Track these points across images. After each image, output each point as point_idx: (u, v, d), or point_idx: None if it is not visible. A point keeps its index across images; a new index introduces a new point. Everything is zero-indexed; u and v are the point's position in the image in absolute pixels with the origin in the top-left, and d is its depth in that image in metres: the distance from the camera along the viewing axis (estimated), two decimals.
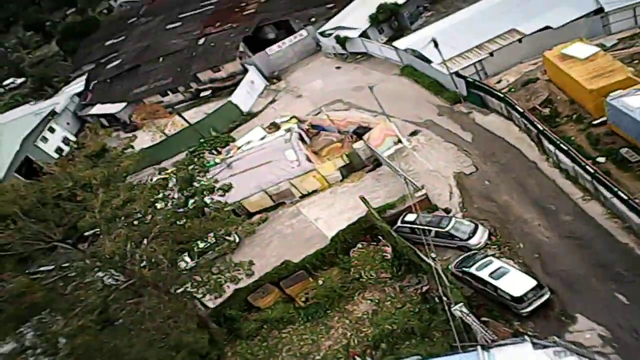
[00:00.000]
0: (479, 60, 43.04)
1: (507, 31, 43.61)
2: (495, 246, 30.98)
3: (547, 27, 42.22)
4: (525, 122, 35.91)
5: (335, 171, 42.55)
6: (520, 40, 42.74)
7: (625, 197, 27.26)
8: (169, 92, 64.49)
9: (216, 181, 34.48)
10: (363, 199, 34.33)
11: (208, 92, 63.83)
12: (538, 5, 45.11)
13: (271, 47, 62.98)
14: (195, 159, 45.43)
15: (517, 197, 32.97)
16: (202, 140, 53.37)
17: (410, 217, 33.23)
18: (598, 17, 43.03)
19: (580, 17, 42.97)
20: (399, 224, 33.55)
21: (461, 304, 26.14)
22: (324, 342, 31.06)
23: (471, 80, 41.09)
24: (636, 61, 39.30)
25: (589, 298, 26.47)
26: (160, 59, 69.72)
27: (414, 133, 42.16)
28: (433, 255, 30.79)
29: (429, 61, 44.31)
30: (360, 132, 44.45)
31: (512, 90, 40.79)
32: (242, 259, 31.06)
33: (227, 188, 32.89)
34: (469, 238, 31.12)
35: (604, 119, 33.74)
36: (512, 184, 34.03)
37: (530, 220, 31.29)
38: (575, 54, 37.26)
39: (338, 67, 58.12)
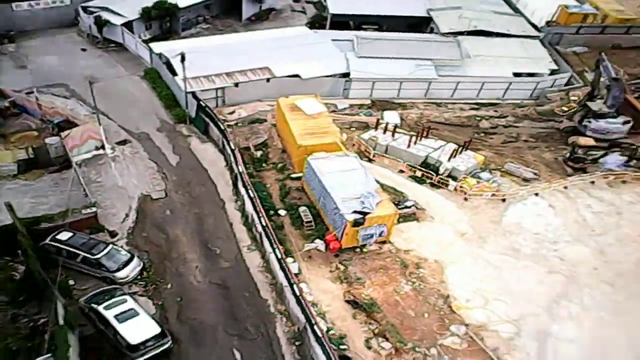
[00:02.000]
0: (223, 88, 46.61)
1: (261, 67, 48.45)
2: (143, 283, 31.52)
3: (296, 75, 47.94)
4: (232, 159, 38.85)
5: (11, 163, 39.71)
6: (268, 80, 47.72)
7: (279, 256, 31.00)
8: None
9: None
10: (9, 206, 31.92)
11: None
12: (298, 53, 51.40)
13: (21, 2, 57.91)
14: None
15: (190, 234, 34.71)
16: None
17: (64, 235, 32.33)
18: (343, 80, 50.53)
19: (329, 76, 49.92)
20: (47, 240, 32.07)
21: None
22: None
23: (203, 104, 43.73)
24: (353, 129, 46.56)
25: (208, 352, 28.18)
26: None
27: (122, 142, 42.33)
28: (71, 282, 30.12)
29: (174, 73, 46.10)
30: (64, 126, 42.53)
31: (239, 125, 44.88)
32: None
33: None
34: (118, 270, 31.10)
35: (301, 174, 38.40)
36: (191, 219, 35.89)
37: (190, 261, 32.97)
38: (304, 108, 42.33)
39: (84, 50, 56.10)
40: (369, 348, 28.90)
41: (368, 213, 33.67)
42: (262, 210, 34.31)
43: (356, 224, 33.27)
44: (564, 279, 33.51)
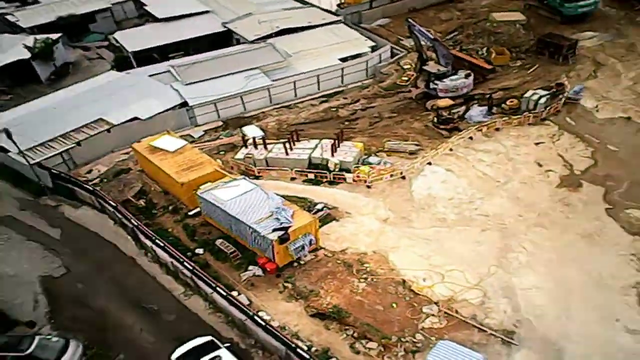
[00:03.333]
0: (65, 150, 46.45)
1: (94, 120, 49.05)
2: None
3: (135, 118, 49.01)
4: (120, 215, 38.59)
5: None
6: (109, 130, 48.49)
7: (224, 293, 31.21)
8: None
9: None
10: None
11: None
12: (125, 96, 51.66)
13: None
14: None
15: (116, 299, 33.68)
16: None
17: None
18: (184, 110, 50.35)
19: (168, 110, 50.19)
20: None
21: None
22: None
23: (56, 171, 43.75)
24: (222, 152, 46.92)
25: None
26: None
27: None
28: None
29: (5, 150, 45.66)
30: None
31: (105, 180, 44.63)
32: None
33: None
34: (59, 358, 29.36)
35: (198, 209, 38.83)
36: (109, 285, 34.90)
37: (132, 325, 31.90)
38: (165, 146, 42.58)
39: None
40: (357, 352, 29.06)
41: (289, 227, 33.80)
42: (181, 255, 33.95)
43: (282, 240, 33.37)
44: (499, 233, 36.40)
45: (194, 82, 53.04)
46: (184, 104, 51.05)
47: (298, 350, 27.39)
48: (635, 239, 34.86)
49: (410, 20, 53.83)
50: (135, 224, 37.13)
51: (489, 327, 29.60)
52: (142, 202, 41.21)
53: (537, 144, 44.76)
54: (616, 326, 29.41)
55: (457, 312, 30.73)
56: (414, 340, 29.24)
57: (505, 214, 38.05)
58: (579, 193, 39.25)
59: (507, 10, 66.81)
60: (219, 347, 28.46)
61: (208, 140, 48.47)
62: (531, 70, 55.74)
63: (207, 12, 68.19)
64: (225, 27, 64.60)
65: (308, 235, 34.59)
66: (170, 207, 40.56)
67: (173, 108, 50.68)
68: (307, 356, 26.97)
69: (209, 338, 29.12)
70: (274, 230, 33.46)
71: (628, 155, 42.16)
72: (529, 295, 31.61)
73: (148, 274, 35.38)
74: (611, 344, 28.44)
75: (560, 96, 49.02)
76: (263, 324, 29.07)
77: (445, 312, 30.67)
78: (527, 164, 42.66)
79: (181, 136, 46.02)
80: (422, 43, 53.31)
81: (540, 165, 42.25)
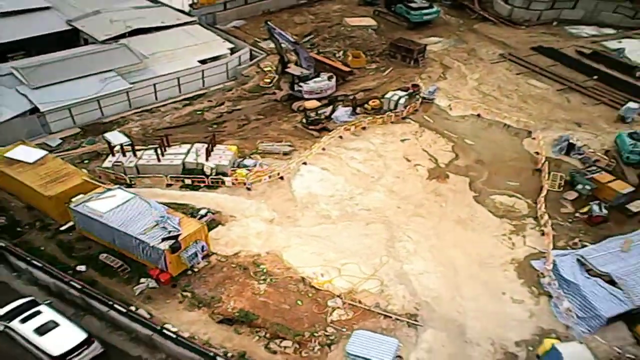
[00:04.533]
0: None
1: None
2: None
3: None
4: None
5: None
6: None
7: (124, 310, 30.15)
8: None
9: None
10: None
11: None
12: None
13: None
14: None
15: None
16: None
17: None
18: (35, 117, 47.18)
19: (16, 117, 46.33)
20: None
21: None
22: None
23: None
24: (86, 161, 44.62)
25: None
26: None
27: None
28: None
29: None
30: None
31: None
32: None
33: None
34: None
35: (71, 224, 36.71)
36: None
37: (23, 356, 29.27)
38: (22, 157, 39.69)
39: None
40: (274, 352, 29.58)
41: (178, 235, 33.39)
42: (64, 274, 32.49)
43: (174, 249, 32.90)
44: (383, 225, 38.58)
45: (44, 86, 49.39)
46: (34, 110, 47.48)
47: (217, 358, 27.34)
48: (503, 221, 39.02)
49: (269, 23, 54.83)
50: (2, 244, 34.42)
51: (393, 313, 31.50)
52: (2, 220, 37.99)
53: (402, 140, 48.05)
54: (503, 299, 32.86)
55: (360, 302, 32.23)
56: (326, 333, 30.27)
57: (384, 207, 40.45)
58: (447, 184, 42.88)
59: (358, 16, 70.92)
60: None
61: (69, 149, 45.55)
62: (387, 72, 59.68)
63: (48, 7, 63.13)
64: (70, 25, 60.81)
65: (199, 242, 34.25)
66: (37, 224, 37.92)
67: (23, 115, 46.89)
68: None
69: (30, 298, 30.98)
70: (164, 239, 32.73)
71: (483, 148, 46.87)
72: (422, 280, 34.04)
73: (25, 297, 32.10)
74: (503, 315, 31.71)
75: (417, 96, 53.21)
76: (174, 336, 28.47)
77: (350, 304, 32.07)
78: (396, 159, 45.61)
79: (36, 145, 42.94)
80: (283, 46, 54.88)
81: (408, 160, 45.44)
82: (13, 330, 29.31)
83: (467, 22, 72.44)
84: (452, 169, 44.54)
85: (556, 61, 61.38)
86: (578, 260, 33.57)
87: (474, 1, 75.81)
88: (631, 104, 50.55)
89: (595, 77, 57.52)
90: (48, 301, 31.07)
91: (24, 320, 29.23)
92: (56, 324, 28.98)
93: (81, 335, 28.63)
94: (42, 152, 40.63)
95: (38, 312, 29.62)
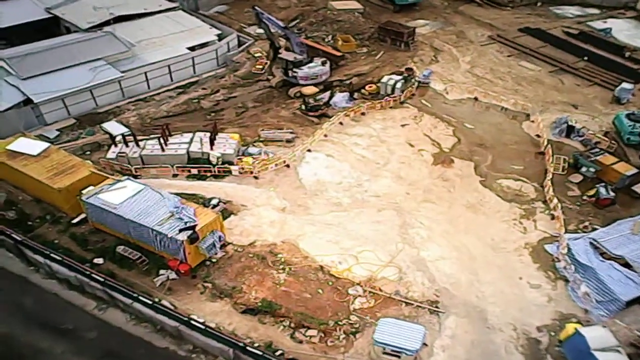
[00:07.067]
0: None
1: None
2: None
3: None
4: None
5: None
6: None
7: (150, 302, 30.15)
8: None
9: None
10: None
11: None
12: None
13: None
14: None
15: (19, 326, 30.71)
16: None
17: None
18: (29, 108, 46.10)
19: (9, 109, 45.35)
20: None
21: None
22: None
23: None
24: (88, 152, 44.04)
25: None
26: None
27: None
28: None
29: None
30: None
31: None
32: None
33: None
34: None
35: (83, 216, 36.28)
36: (2, 310, 31.69)
37: (51, 349, 29.57)
38: (25, 150, 38.96)
39: None
40: (300, 342, 29.78)
41: (195, 225, 33.25)
42: (85, 267, 32.27)
43: (192, 240, 32.61)
44: (394, 212, 38.78)
45: (34, 76, 48.21)
46: (27, 102, 46.47)
47: (248, 348, 27.39)
48: (512, 205, 39.60)
49: (257, 8, 53.99)
50: (18, 238, 33.73)
51: (414, 300, 31.85)
52: (12, 214, 37.18)
53: (403, 125, 48.42)
54: (521, 284, 33.42)
55: (380, 290, 32.58)
56: (350, 322, 30.43)
57: (394, 193, 40.73)
58: (453, 169, 43.32)
59: None
60: None
61: (69, 140, 44.71)
62: (378, 56, 59.69)
63: None
64: (50, 13, 59.51)
65: (216, 232, 34.05)
66: (48, 217, 37.22)
67: (16, 106, 45.88)
68: (260, 353, 27.08)
69: None
70: (181, 230, 32.51)
71: (484, 132, 47.46)
72: (439, 266, 34.41)
73: (48, 292, 32.51)
74: (522, 299, 32.25)
75: (413, 80, 53.65)
76: (202, 327, 28.45)
77: (370, 292, 32.45)
78: (399, 145, 45.84)
79: (35, 137, 42.00)
80: (272, 31, 54.54)
81: (412, 146, 45.74)
82: None
83: (452, 3, 72.87)
84: (456, 154, 44.98)
85: (545, 42, 62.30)
86: (591, 243, 34.34)
87: None
88: (625, 85, 51.70)
89: (586, 57, 58.49)
90: None
91: None
92: None
93: None
94: (45, 144, 39.90)
95: None
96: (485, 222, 38.43)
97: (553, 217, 38.19)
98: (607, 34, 63.75)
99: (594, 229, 36.67)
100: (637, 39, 63.45)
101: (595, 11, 71.08)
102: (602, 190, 39.22)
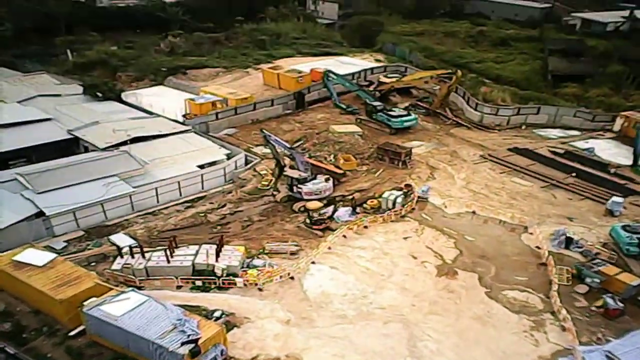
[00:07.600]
0: None
1: None
2: None
3: None
4: None
5: None
6: None
7: None
8: None
9: None
10: None
11: None
12: None
13: None
14: None
15: None
16: None
17: None
18: (40, 220, 44.42)
19: (22, 221, 43.69)
20: None
21: None
22: None
23: None
24: (93, 263, 41.36)
25: None
26: None
27: None
28: None
29: None
30: None
31: None
32: None
33: None
34: None
35: (81, 328, 33.33)
36: None
37: None
38: (31, 261, 36.90)
39: None
40: None
41: (198, 339, 30.12)
42: None
43: (194, 354, 29.80)
44: (400, 324, 35.59)
45: (48, 191, 46.69)
46: (39, 214, 44.44)
47: None
48: (521, 317, 36.39)
49: (265, 131, 54.24)
50: (12, 352, 30.73)
51: None
52: (7, 326, 34.05)
53: (405, 238, 45.95)
54: None
55: None
56: None
57: (399, 305, 37.62)
58: (457, 280, 40.44)
59: (343, 123, 70.70)
60: None
61: (75, 252, 42.27)
62: (378, 173, 58.45)
63: (49, 119, 62.13)
64: (71, 134, 59.25)
65: (218, 346, 31.01)
66: (45, 329, 34.12)
67: (28, 219, 43.80)
68: None
69: None
70: (183, 344, 29.47)
71: (485, 244, 44.96)
72: None
73: None
74: None
75: (412, 195, 51.77)
76: None
77: None
78: (402, 257, 43.22)
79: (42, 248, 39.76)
80: (279, 151, 53.66)
81: (415, 258, 43.12)
82: None
83: (443, 127, 72.87)
84: (459, 265, 42.22)
85: (533, 160, 61.26)
86: (607, 356, 30.84)
87: (446, 110, 76.75)
88: (615, 198, 49.99)
89: (574, 174, 57.14)
90: None
91: None
92: None
93: None
94: (52, 255, 37.73)
95: None
96: (495, 334, 35.03)
97: (564, 329, 34.78)
98: (590, 152, 62.95)
99: (608, 341, 33.10)
100: (619, 157, 62.48)
101: (576, 133, 70.70)
102: (610, 300, 36.27)
